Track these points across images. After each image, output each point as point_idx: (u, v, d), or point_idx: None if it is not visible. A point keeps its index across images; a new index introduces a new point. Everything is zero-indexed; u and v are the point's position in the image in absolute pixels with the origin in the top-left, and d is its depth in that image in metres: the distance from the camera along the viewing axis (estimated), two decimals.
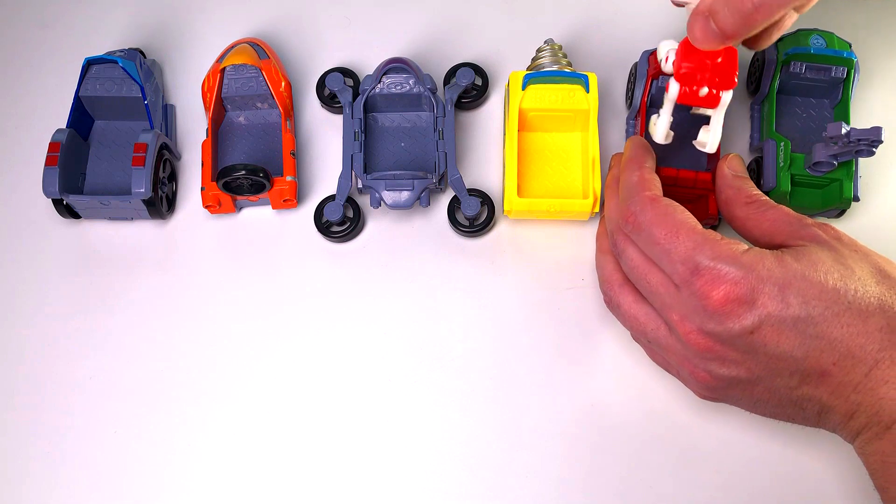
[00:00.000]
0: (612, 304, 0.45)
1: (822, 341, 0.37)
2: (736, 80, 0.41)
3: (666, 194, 0.48)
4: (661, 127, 0.45)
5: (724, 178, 0.45)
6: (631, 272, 0.43)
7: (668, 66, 0.42)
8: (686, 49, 0.41)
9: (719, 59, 0.41)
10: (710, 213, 0.47)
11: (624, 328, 0.46)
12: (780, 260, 0.38)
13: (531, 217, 0.51)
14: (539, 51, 0.51)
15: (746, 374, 0.39)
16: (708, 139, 0.44)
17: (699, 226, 0.40)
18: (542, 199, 0.49)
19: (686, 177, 0.47)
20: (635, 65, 0.52)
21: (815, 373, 0.38)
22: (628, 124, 0.52)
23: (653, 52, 0.50)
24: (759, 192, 0.44)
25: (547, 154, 0.51)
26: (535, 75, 0.49)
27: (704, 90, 0.42)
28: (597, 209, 0.48)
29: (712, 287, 0.38)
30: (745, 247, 0.39)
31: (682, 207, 0.41)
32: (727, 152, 0.49)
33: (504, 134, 0.51)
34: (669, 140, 0.46)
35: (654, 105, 0.50)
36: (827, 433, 0.41)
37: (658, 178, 0.43)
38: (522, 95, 0.49)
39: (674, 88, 0.42)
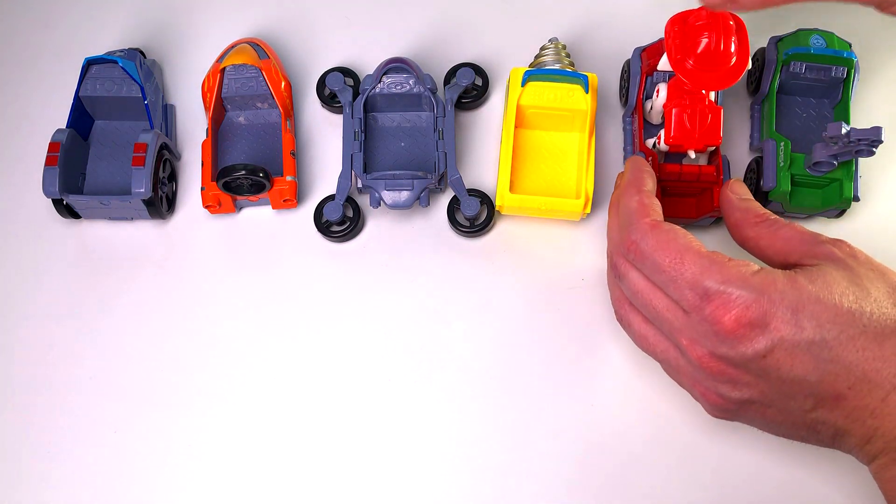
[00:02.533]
0: (623, 321, 0.44)
1: (836, 365, 0.36)
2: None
3: (671, 189, 0.48)
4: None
5: (730, 202, 0.44)
6: (634, 297, 0.42)
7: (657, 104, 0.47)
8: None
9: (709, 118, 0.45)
10: (716, 206, 0.47)
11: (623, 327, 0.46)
12: (793, 281, 0.37)
13: (522, 213, 0.51)
14: (543, 48, 0.51)
15: (759, 396, 0.39)
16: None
17: (704, 248, 0.39)
18: (533, 196, 0.49)
19: (690, 171, 0.47)
20: (627, 62, 0.52)
21: (829, 397, 0.37)
22: (625, 122, 0.52)
23: (645, 49, 0.50)
24: (768, 212, 0.43)
25: (543, 152, 0.51)
26: (535, 72, 0.49)
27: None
28: (588, 210, 0.48)
29: (723, 311, 0.37)
30: (755, 267, 0.38)
31: (683, 231, 0.40)
32: (727, 156, 0.49)
33: (502, 130, 0.52)
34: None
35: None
36: (840, 453, 0.40)
37: (658, 203, 0.42)
38: (521, 91, 0.49)
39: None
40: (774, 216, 0.42)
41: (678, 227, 0.40)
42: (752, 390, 0.38)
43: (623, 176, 0.46)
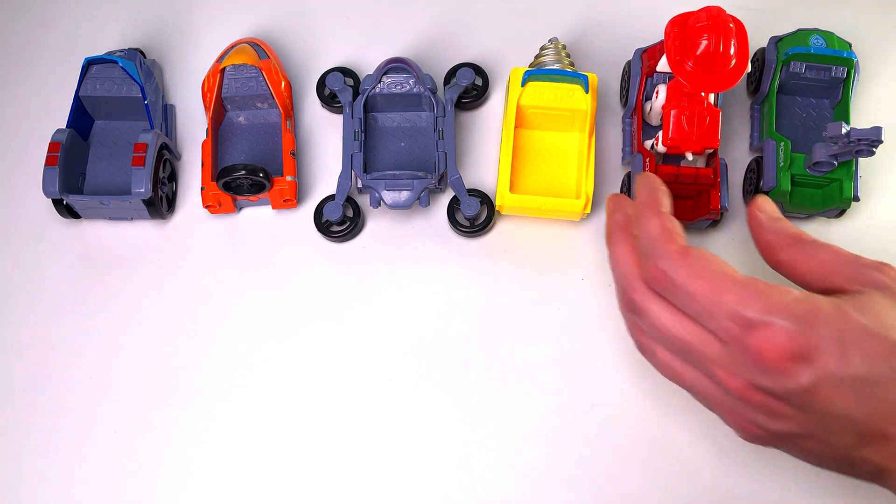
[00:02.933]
0: (645, 352, 0.41)
1: (884, 404, 0.34)
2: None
3: None
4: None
5: (760, 222, 0.41)
6: (656, 331, 0.39)
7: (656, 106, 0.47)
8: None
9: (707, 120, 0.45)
10: (712, 208, 0.47)
11: (624, 328, 0.46)
12: (840, 312, 0.35)
13: (523, 214, 0.51)
14: (543, 48, 0.51)
15: (799, 429, 0.36)
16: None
17: (738, 274, 0.36)
18: (533, 196, 0.49)
19: (687, 173, 0.47)
20: (628, 63, 0.52)
21: (875, 436, 0.35)
22: (624, 123, 0.52)
23: (646, 50, 0.50)
24: (801, 231, 0.40)
25: (543, 152, 0.51)
26: (535, 72, 0.49)
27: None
28: (588, 210, 0.48)
29: (766, 343, 0.34)
30: (797, 294, 0.35)
31: (714, 256, 0.37)
32: (727, 156, 0.49)
33: (502, 130, 0.52)
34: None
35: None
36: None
37: (679, 224, 0.39)
38: (521, 91, 0.49)
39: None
40: (810, 237, 0.39)
41: (707, 251, 0.37)
42: (793, 423, 0.36)
43: (613, 199, 0.44)
